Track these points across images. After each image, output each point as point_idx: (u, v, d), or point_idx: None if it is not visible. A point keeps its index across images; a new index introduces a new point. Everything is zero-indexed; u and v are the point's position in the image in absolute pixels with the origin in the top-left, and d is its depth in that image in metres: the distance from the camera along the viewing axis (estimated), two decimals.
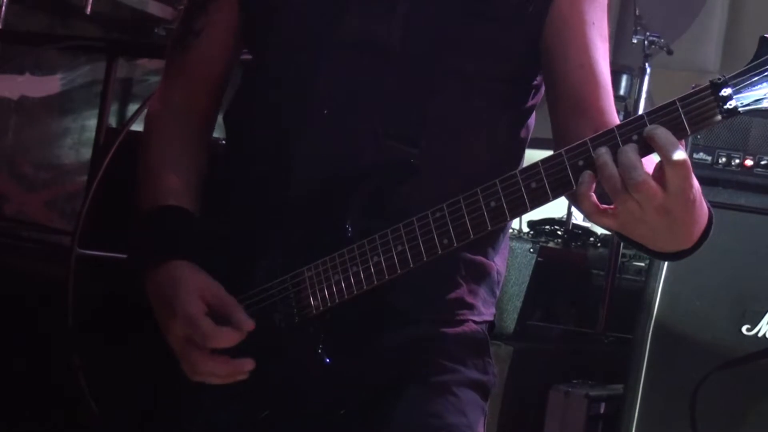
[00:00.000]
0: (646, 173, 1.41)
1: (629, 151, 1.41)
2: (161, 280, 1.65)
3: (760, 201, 3.36)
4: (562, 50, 1.73)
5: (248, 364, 1.60)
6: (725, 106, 1.40)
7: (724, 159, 3.43)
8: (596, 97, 1.72)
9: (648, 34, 4.65)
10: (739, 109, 1.41)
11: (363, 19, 1.69)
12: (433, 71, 1.69)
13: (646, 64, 4.62)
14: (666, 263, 3.37)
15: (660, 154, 1.41)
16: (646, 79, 4.59)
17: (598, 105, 1.71)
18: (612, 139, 1.44)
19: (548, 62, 1.75)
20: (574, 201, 1.51)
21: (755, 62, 1.41)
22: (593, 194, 1.45)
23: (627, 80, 4.63)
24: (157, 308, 1.66)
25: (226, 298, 1.62)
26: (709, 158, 3.45)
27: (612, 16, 5.02)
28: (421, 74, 1.69)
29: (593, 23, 1.74)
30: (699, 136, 3.47)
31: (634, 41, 4.65)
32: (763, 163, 3.40)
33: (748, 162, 3.42)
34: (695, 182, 1.44)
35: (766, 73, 1.40)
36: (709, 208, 1.52)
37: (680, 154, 1.40)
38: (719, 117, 1.41)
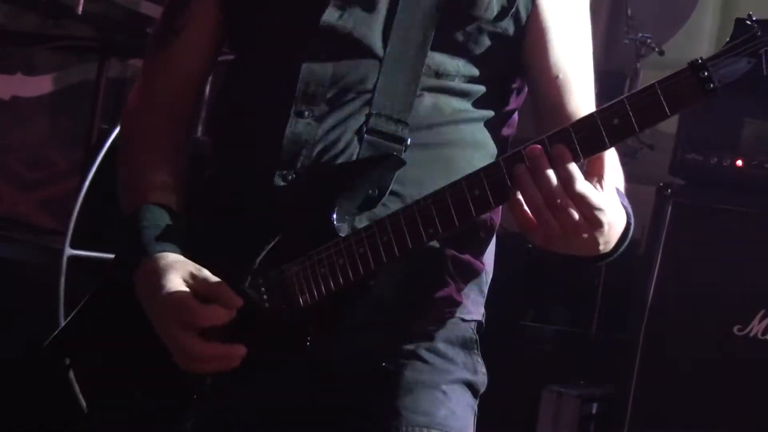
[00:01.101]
0: (565, 197, 1.47)
1: (546, 169, 1.47)
2: (147, 273, 1.65)
3: (751, 201, 3.36)
4: (538, 57, 1.76)
5: (240, 350, 1.61)
6: (704, 86, 1.45)
7: (715, 159, 3.44)
8: (569, 105, 1.76)
9: (640, 35, 4.66)
10: (718, 89, 1.45)
11: (344, 19, 1.70)
12: (414, 70, 1.70)
13: (638, 65, 4.62)
14: (658, 263, 3.38)
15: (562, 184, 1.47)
16: (639, 80, 4.59)
17: (571, 111, 1.75)
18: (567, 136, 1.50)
19: (526, 67, 1.79)
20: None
21: (732, 43, 1.46)
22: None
23: (619, 81, 4.64)
24: (145, 302, 1.66)
25: (211, 280, 1.63)
26: (701, 158, 3.46)
27: (603, 18, 5.02)
28: (401, 73, 1.70)
29: (571, 26, 1.78)
30: (691, 136, 3.47)
31: (626, 42, 4.65)
32: (754, 163, 3.41)
33: (740, 162, 3.43)
34: (605, 204, 1.49)
35: (742, 53, 1.45)
36: (628, 214, 1.58)
37: (579, 187, 1.47)
38: (698, 96, 1.46)
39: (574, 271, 4.57)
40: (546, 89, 1.77)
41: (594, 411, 3.69)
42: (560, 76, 1.76)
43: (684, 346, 3.34)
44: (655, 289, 3.38)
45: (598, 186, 1.50)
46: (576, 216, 1.48)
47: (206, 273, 1.63)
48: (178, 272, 1.63)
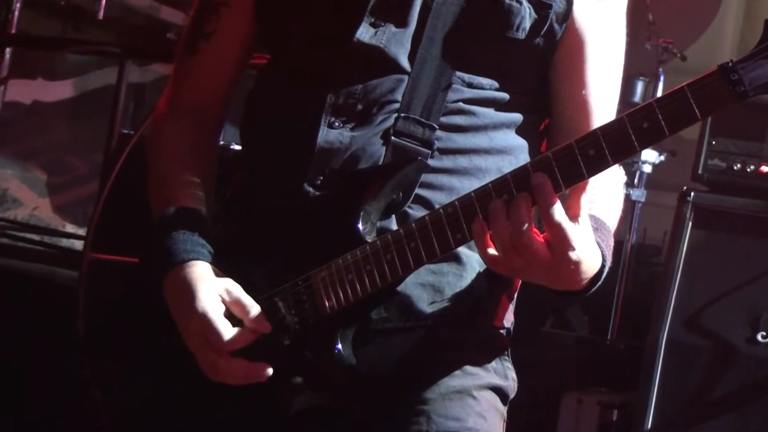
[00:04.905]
0: (531, 235, 1.46)
1: (521, 206, 1.47)
2: (180, 281, 1.64)
3: None
4: (566, 74, 1.75)
5: (266, 370, 1.60)
6: (735, 90, 1.43)
7: (739, 165, 3.41)
8: (588, 129, 1.70)
9: (661, 40, 4.64)
10: (749, 93, 1.43)
11: (377, 37, 1.70)
12: (443, 84, 1.70)
13: (660, 70, 4.60)
14: (680, 270, 3.36)
15: (540, 212, 1.47)
16: (660, 85, 4.57)
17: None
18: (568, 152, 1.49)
19: (552, 81, 1.77)
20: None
21: (762, 45, 1.44)
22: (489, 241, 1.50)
23: (642, 86, 4.62)
24: (174, 310, 1.65)
25: (243, 299, 1.62)
26: (724, 164, 3.43)
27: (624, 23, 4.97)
28: (430, 87, 1.69)
29: (604, 47, 1.76)
30: (714, 142, 3.45)
31: (648, 47, 4.63)
32: None
33: (764, 168, 3.40)
34: (577, 241, 1.48)
35: None
36: (603, 256, 1.56)
37: (557, 216, 1.46)
38: (728, 100, 1.44)
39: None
40: (567, 108, 1.76)
41: (615, 418, 3.67)
42: (586, 98, 1.74)
43: (706, 353, 3.31)
44: (676, 295, 3.36)
45: (574, 222, 1.48)
46: (544, 252, 1.47)
47: (239, 291, 1.63)
48: (210, 287, 1.62)
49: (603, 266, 1.57)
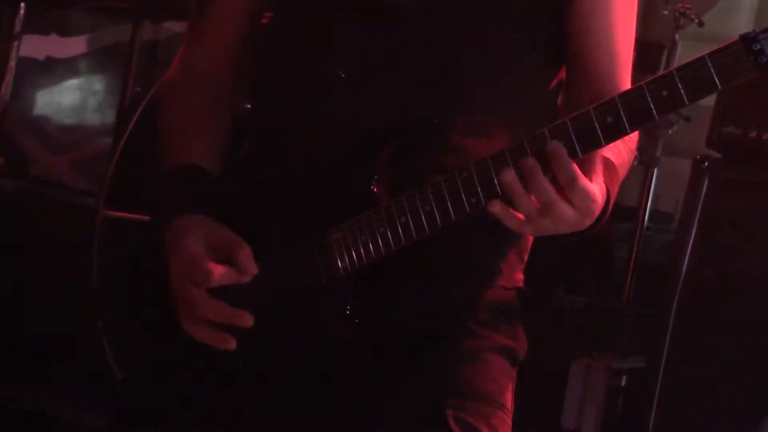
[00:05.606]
0: (558, 198, 1.47)
1: (543, 179, 1.48)
2: (173, 232, 1.66)
3: None
4: (583, 26, 1.74)
5: (247, 319, 1.61)
6: (757, 60, 1.43)
7: (754, 133, 3.38)
8: (609, 77, 1.73)
9: (678, 6, 4.60)
10: None
11: None
12: (456, 39, 1.69)
13: (677, 36, 4.57)
14: (693, 237, 3.35)
15: (560, 180, 1.47)
16: (678, 51, 4.53)
17: (610, 83, 1.73)
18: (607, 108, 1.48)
19: (569, 35, 1.75)
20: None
21: None
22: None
23: (657, 52, 4.58)
24: (168, 262, 1.66)
25: (234, 241, 1.62)
26: (739, 131, 3.41)
27: None
28: (443, 42, 1.68)
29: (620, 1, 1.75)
30: (729, 109, 3.42)
31: (665, 13, 4.59)
32: None
33: None
34: (597, 194, 1.50)
35: None
36: (608, 191, 1.57)
37: (580, 183, 1.47)
38: (750, 69, 1.43)
39: (607, 244, 4.55)
40: (587, 59, 1.74)
41: (623, 383, 3.69)
42: (611, 46, 1.73)
43: (716, 320, 3.31)
44: (688, 262, 3.35)
45: (591, 177, 1.50)
46: (570, 211, 1.49)
47: (229, 234, 1.64)
48: (198, 230, 1.63)
49: (606, 209, 1.58)
